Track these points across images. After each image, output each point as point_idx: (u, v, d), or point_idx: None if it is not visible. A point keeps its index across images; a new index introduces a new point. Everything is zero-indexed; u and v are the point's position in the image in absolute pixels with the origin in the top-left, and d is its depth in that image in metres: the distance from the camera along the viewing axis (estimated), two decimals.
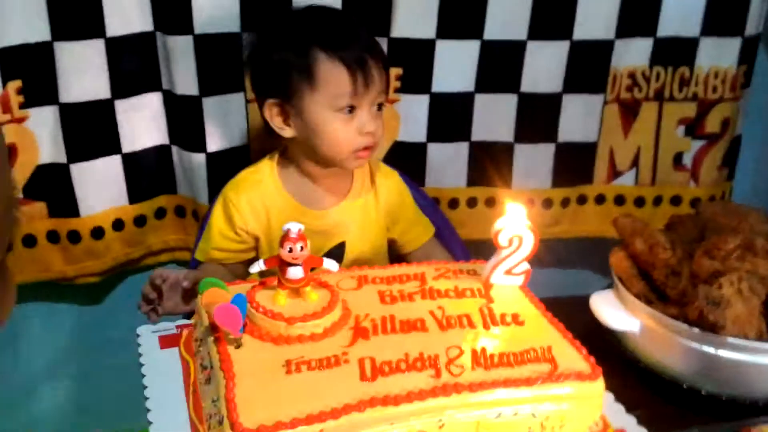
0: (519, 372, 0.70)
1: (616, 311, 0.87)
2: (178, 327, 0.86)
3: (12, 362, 1.40)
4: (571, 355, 0.74)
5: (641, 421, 0.76)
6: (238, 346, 0.70)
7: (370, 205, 1.11)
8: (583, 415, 0.72)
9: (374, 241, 1.11)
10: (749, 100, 1.52)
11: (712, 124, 1.49)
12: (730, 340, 0.77)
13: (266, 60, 1.04)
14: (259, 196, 1.05)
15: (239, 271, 1.08)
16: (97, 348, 1.42)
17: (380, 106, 1.03)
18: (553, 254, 1.49)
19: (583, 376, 0.71)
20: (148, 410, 0.73)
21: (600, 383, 0.71)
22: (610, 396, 0.80)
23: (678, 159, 1.51)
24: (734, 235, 0.81)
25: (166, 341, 0.83)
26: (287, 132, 1.03)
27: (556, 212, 1.51)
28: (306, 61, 0.99)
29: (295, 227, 0.72)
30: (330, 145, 1.01)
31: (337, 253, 1.05)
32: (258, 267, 0.75)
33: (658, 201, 1.52)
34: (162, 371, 0.79)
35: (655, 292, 0.85)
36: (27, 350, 1.42)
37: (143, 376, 0.78)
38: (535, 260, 1.19)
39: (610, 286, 0.93)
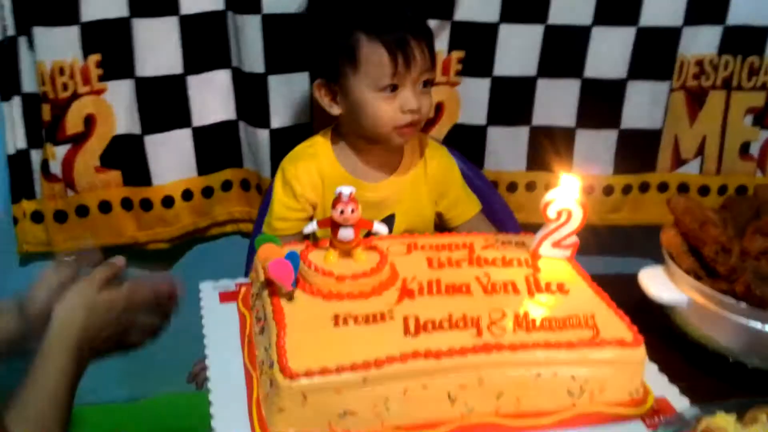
0: (560, 336, 0.72)
1: (665, 286, 0.87)
2: (236, 284, 0.91)
3: None
4: (614, 323, 0.75)
5: (683, 392, 0.77)
6: (290, 299, 0.74)
7: (420, 179, 1.14)
8: (623, 381, 0.73)
9: (423, 213, 1.14)
10: None
11: None
12: None
13: (314, 41, 1.08)
14: (315, 167, 1.09)
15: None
16: None
17: (426, 83, 1.06)
18: (612, 240, 1.51)
19: (625, 343, 0.72)
20: (207, 357, 0.78)
21: (641, 351, 0.72)
22: (654, 367, 0.80)
23: (745, 148, 1.49)
24: None
25: (226, 297, 0.88)
26: (335, 110, 1.07)
27: (616, 199, 1.50)
28: (348, 43, 1.02)
29: (347, 190, 0.76)
30: (374, 122, 1.04)
31: (387, 224, 1.08)
32: (311, 227, 0.79)
33: (723, 190, 1.50)
34: (221, 323, 0.84)
35: (705, 269, 0.85)
36: None
37: (203, 326, 0.83)
38: (595, 246, 1.20)
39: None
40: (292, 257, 0.73)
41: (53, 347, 0.78)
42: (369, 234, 0.84)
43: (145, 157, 1.33)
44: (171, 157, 1.35)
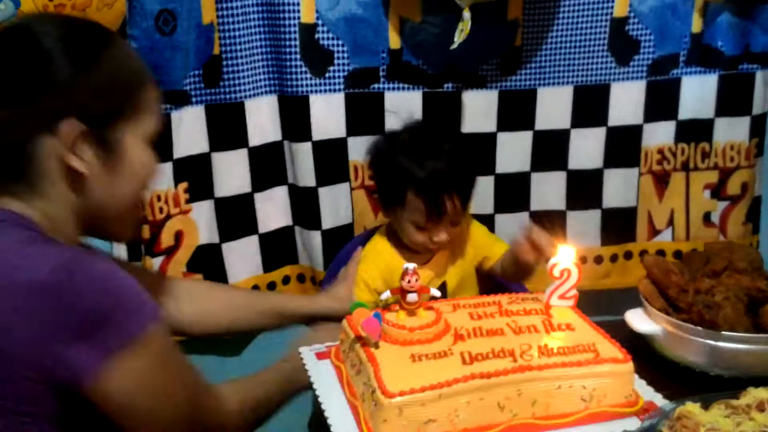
0: (571, 358, 1.01)
1: (644, 321, 1.17)
2: (326, 347, 1.20)
3: None
4: (609, 347, 1.04)
5: (665, 397, 1.05)
6: (377, 348, 1.03)
7: (459, 249, 1.46)
8: (620, 388, 1.01)
9: (466, 275, 1.47)
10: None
11: (733, 187, 1.78)
12: (724, 333, 1.07)
13: (378, 182, 1.45)
14: (383, 263, 1.42)
15: None
16: None
17: (453, 223, 1.37)
18: (607, 302, 1.79)
19: (618, 360, 1.01)
20: (318, 397, 1.06)
21: (630, 365, 1.01)
22: (643, 381, 1.09)
23: (707, 217, 1.80)
24: (723, 260, 1.11)
25: (321, 355, 1.17)
26: (388, 217, 1.44)
27: (606, 267, 1.80)
28: (402, 193, 1.34)
29: (411, 266, 1.06)
30: (409, 241, 1.39)
31: (441, 290, 1.39)
32: (386, 294, 1.10)
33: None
34: (321, 375, 1.12)
35: (672, 306, 1.15)
36: None
37: (309, 377, 1.12)
38: (592, 307, 1.49)
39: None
40: (377, 317, 1.03)
41: (286, 359, 1.17)
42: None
43: (222, 260, 1.63)
44: (242, 260, 1.65)
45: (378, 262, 1.43)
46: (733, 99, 1.73)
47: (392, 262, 1.43)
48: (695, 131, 1.75)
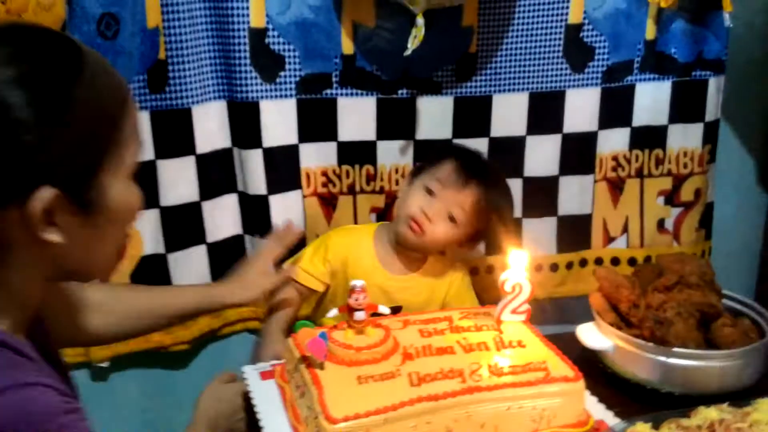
0: (521, 378, 0.99)
1: (595, 336, 1.15)
2: (271, 365, 1.16)
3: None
4: (560, 365, 1.02)
5: (616, 415, 1.04)
6: (322, 369, 1.00)
7: (433, 289, 1.44)
8: (570, 408, 1.00)
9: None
10: (720, 172, 1.83)
11: (686, 193, 1.78)
12: (675, 350, 1.06)
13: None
14: (352, 246, 1.41)
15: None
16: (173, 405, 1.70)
17: (451, 219, 1.36)
18: (562, 310, 1.78)
19: (569, 378, 0.99)
20: (260, 421, 1.02)
21: (581, 384, 1.00)
22: (594, 398, 1.07)
23: (661, 224, 1.79)
24: (674, 275, 1.10)
25: (266, 375, 1.13)
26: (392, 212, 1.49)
27: (562, 274, 1.79)
28: (442, 155, 1.44)
29: (359, 283, 1.03)
30: (400, 203, 1.40)
31: (393, 312, 1.37)
32: (333, 312, 1.06)
33: (648, 260, 1.80)
34: (264, 395, 1.09)
35: (623, 321, 1.14)
36: (127, 412, 1.71)
37: (251, 399, 1.08)
38: (545, 316, 1.47)
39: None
40: (323, 336, 1.00)
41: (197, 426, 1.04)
42: (374, 314, 1.11)
43: (167, 272, 1.58)
44: (190, 270, 1.60)
45: (348, 243, 1.41)
46: (686, 106, 1.73)
47: (364, 254, 1.41)
48: (649, 138, 1.74)
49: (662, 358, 1.08)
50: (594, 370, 1.13)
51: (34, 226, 0.71)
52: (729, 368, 1.07)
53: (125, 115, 0.77)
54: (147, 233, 1.55)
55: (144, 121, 1.48)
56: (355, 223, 1.61)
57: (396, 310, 1.37)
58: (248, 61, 1.49)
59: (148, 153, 1.50)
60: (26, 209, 0.70)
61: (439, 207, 1.35)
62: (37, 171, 0.70)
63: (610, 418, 1.04)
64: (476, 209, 1.36)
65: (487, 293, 1.66)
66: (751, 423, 0.92)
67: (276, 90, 1.53)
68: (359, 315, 1.04)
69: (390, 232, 1.43)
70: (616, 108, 1.70)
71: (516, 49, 1.61)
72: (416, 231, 1.36)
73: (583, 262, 1.79)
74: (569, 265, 1.79)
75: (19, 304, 0.78)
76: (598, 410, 1.06)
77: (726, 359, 1.07)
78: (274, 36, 1.50)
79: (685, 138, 1.75)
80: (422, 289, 1.43)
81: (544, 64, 1.63)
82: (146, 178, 1.51)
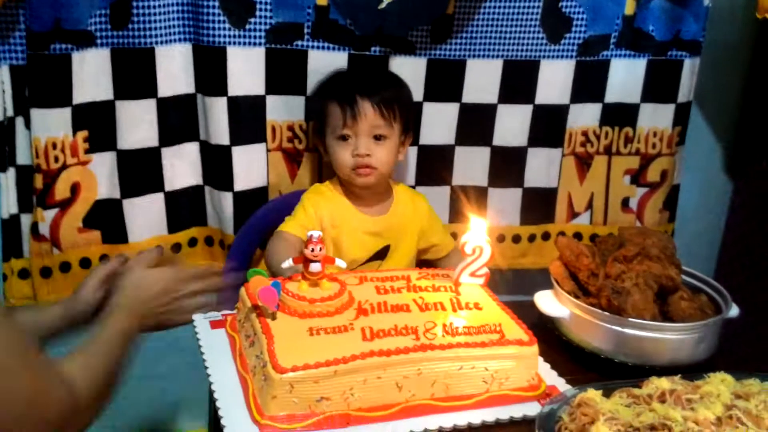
0: (476, 339, 0.97)
1: (552, 303, 1.14)
2: (222, 315, 1.13)
3: None
4: (515, 329, 1.01)
5: (568, 382, 1.03)
6: (274, 319, 0.97)
7: (409, 218, 1.46)
8: (523, 371, 0.99)
9: (410, 248, 1.46)
10: (688, 155, 1.83)
11: (652, 174, 1.78)
12: (631, 320, 1.05)
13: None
14: (326, 202, 1.42)
15: None
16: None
17: (378, 137, 1.37)
18: (523, 281, 1.78)
19: (523, 342, 0.98)
20: (207, 369, 0.99)
21: (535, 348, 0.98)
22: (547, 365, 1.06)
23: (625, 203, 1.80)
24: (636, 246, 1.09)
25: (215, 324, 1.10)
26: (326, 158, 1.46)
27: (523, 246, 1.78)
28: (325, 107, 1.40)
29: (316, 233, 1.00)
30: (340, 168, 1.41)
31: (382, 252, 1.41)
32: (288, 263, 1.03)
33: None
34: (214, 344, 1.05)
35: (581, 290, 1.13)
36: None
37: (200, 347, 1.05)
38: (506, 286, 1.46)
39: None
40: (276, 285, 0.97)
41: (113, 312, 0.99)
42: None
43: (123, 218, 1.53)
44: (145, 218, 1.55)
45: (320, 201, 1.43)
46: (659, 85, 1.72)
47: (340, 204, 1.42)
48: (620, 115, 1.74)
49: (617, 328, 1.07)
50: (549, 337, 1.12)
51: None
52: (683, 342, 1.07)
53: None
54: (102, 176, 1.50)
55: (104, 58, 1.43)
56: (320, 181, 1.58)
57: (385, 250, 1.40)
58: (217, 3, 1.44)
59: (106, 92, 1.45)
60: None
61: (362, 141, 1.37)
62: None
63: (561, 385, 1.03)
64: (384, 115, 1.39)
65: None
66: (702, 395, 0.91)
67: (244, 37, 1.48)
68: (315, 267, 1.01)
69: (350, 184, 1.43)
70: (589, 82, 1.69)
71: (494, 14, 1.58)
72: (368, 173, 1.38)
73: (546, 236, 1.79)
74: (531, 238, 1.78)
75: None
76: (550, 377, 1.05)
77: (681, 332, 1.06)
78: None
79: (656, 118, 1.74)
80: (402, 222, 1.45)
81: (520, 32, 1.60)
82: (104, 118, 1.46)
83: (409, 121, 1.48)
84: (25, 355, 0.79)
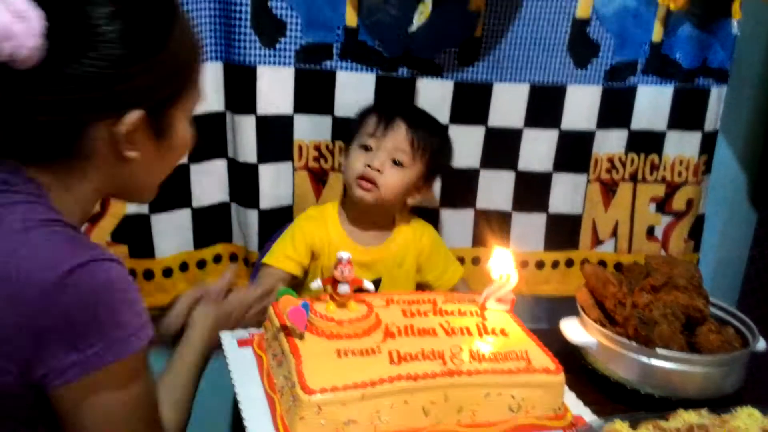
0: (502, 365, 0.97)
1: (578, 332, 1.14)
2: (250, 333, 1.13)
3: None
4: (541, 357, 1.01)
5: (594, 412, 1.02)
6: (302, 339, 0.97)
7: (409, 252, 1.43)
8: (549, 400, 0.98)
9: (406, 281, 1.43)
10: (712, 184, 1.82)
11: (678, 202, 1.77)
12: (659, 351, 1.04)
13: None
14: (320, 228, 1.40)
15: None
16: None
17: (396, 163, 1.36)
18: (546, 309, 1.77)
19: (549, 370, 0.98)
20: (234, 387, 1.00)
21: (561, 376, 0.98)
22: (573, 394, 1.06)
23: (650, 231, 1.79)
24: (663, 276, 1.09)
25: (242, 342, 1.11)
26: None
27: (546, 273, 1.77)
28: (364, 115, 1.43)
29: (345, 255, 1.01)
30: (345, 170, 1.40)
31: (375, 285, 1.34)
32: (317, 284, 1.04)
33: None
34: (241, 362, 1.06)
35: (608, 318, 1.12)
36: None
37: (227, 365, 1.05)
38: (529, 315, 1.45)
39: None
40: (305, 306, 0.97)
41: (194, 337, 1.06)
42: (358, 290, 1.08)
43: (150, 233, 1.55)
44: (172, 234, 1.56)
45: (315, 226, 1.41)
46: (686, 113, 1.72)
47: (333, 232, 1.40)
48: (646, 142, 1.73)
49: (644, 359, 1.06)
50: (575, 365, 1.12)
51: (119, 142, 0.83)
52: (711, 374, 1.06)
53: (199, 61, 0.91)
54: None
55: None
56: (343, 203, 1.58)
57: (376, 283, 1.35)
58: (248, 23, 1.46)
59: None
60: (116, 126, 0.82)
61: (380, 156, 1.35)
62: (133, 94, 0.82)
63: (587, 415, 1.02)
64: (414, 144, 1.37)
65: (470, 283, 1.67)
66: (729, 430, 0.91)
67: (275, 56, 1.50)
68: (343, 288, 1.01)
69: (351, 205, 1.42)
70: (616, 109, 1.69)
71: (521, 38, 1.58)
72: (369, 187, 1.35)
73: (569, 263, 1.78)
74: (555, 264, 1.77)
75: (80, 211, 0.88)
76: (577, 406, 1.04)
77: (709, 365, 1.06)
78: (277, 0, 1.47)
79: (682, 146, 1.74)
80: (398, 256, 1.42)
81: (547, 56, 1.61)
82: None
83: (434, 173, 1.46)
84: (155, 415, 0.90)
